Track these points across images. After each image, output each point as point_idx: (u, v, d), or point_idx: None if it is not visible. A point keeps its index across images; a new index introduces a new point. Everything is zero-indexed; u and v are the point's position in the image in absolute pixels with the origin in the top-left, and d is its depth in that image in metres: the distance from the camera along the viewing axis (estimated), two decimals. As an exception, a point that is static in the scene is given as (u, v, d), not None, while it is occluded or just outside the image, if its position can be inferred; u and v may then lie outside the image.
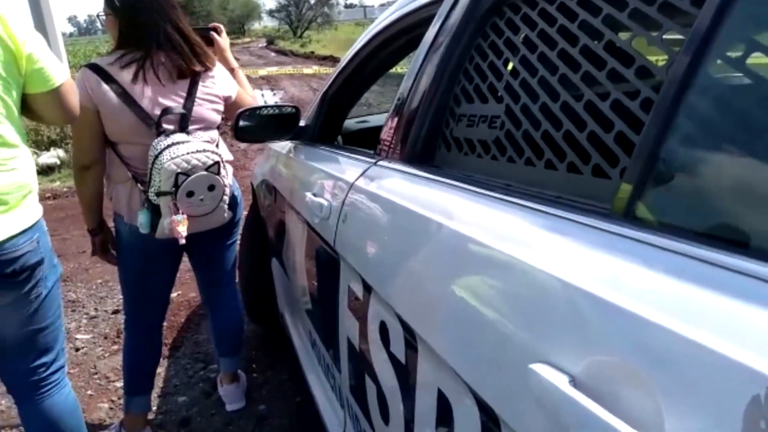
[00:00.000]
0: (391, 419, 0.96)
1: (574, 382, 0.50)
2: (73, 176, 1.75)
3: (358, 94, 1.88)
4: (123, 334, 1.95)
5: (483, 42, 1.00)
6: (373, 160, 1.21)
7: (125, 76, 1.59)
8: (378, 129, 2.21)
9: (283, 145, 2.10)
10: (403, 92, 1.17)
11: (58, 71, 1.36)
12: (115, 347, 2.67)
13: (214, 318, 2.06)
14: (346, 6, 48.79)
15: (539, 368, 0.53)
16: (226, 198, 1.72)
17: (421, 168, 1.04)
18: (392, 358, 0.93)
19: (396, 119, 1.18)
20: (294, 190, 1.71)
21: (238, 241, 2.01)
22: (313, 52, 24.10)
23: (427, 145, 1.07)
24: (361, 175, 1.19)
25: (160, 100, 1.62)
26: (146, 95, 1.60)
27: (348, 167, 1.31)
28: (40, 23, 5.49)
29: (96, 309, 3.08)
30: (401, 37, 1.49)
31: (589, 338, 0.52)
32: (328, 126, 1.89)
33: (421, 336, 0.80)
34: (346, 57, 1.71)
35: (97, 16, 1.73)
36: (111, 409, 2.21)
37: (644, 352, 0.46)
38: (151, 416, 2.05)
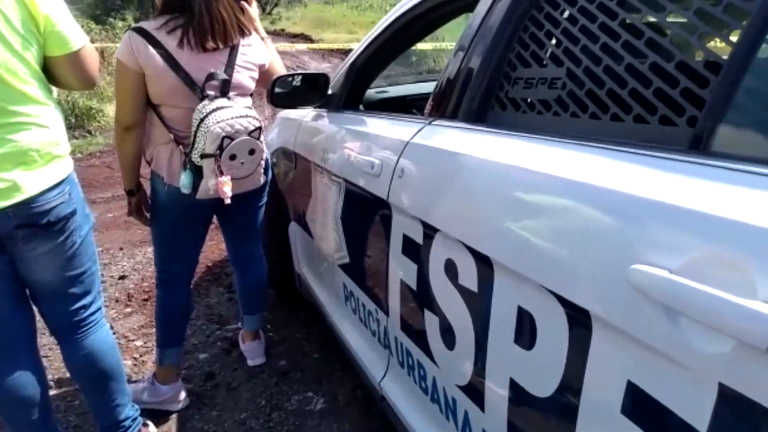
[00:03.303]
0: (458, 343, 1.10)
1: (673, 274, 0.64)
2: (114, 137, 1.81)
3: (383, 65, 1.98)
4: (154, 292, 2.03)
5: (537, 13, 1.13)
6: (426, 121, 1.33)
7: (171, 41, 1.66)
8: (398, 99, 2.34)
9: (303, 113, 2.20)
10: (455, 59, 1.29)
11: (77, 36, 1.39)
12: (128, 310, 2.74)
13: (241, 276, 2.16)
14: (316, -16, 48.01)
15: (640, 267, 0.67)
16: (263, 162, 1.81)
17: (478, 125, 1.17)
18: (461, 288, 1.06)
19: (449, 84, 1.30)
20: (327, 154, 1.82)
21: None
22: (283, 30, 23.79)
23: (482, 106, 1.20)
24: (416, 134, 1.31)
25: (204, 65, 1.69)
26: (190, 60, 1.68)
27: (398, 128, 1.43)
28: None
29: (102, 275, 3.12)
30: (433, 13, 1.60)
31: (676, 243, 0.66)
32: (353, 95, 2.00)
33: (501, 262, 0.94)
34: (375, 29, 1.81)
35: None
36: (135, 365, 2.30)
37: (727, 247, 0.61)
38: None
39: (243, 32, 1.77)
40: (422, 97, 2.30)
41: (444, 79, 1.32)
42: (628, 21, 0.94)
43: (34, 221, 1.36)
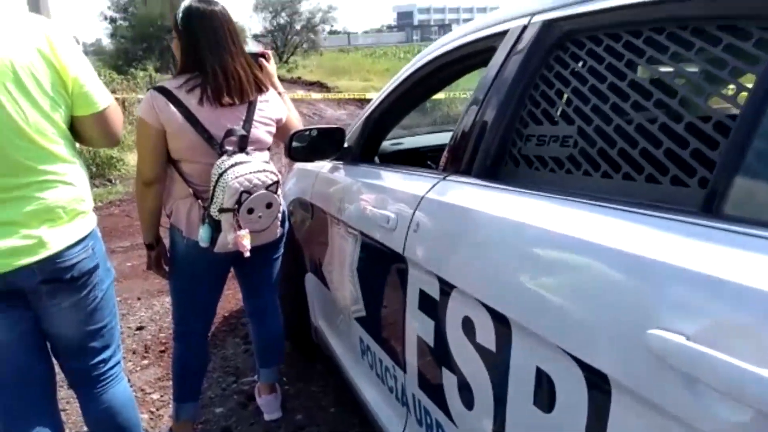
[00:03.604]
0: (477, 403, 1.08)
1: (690, 340, 0.63)
2: (135, 192, 1.86)
3: (398, 119, 2.02)
4: (171, 344, 2.04)
5: (547, 72, 1.16)
6: (441, 176, 1.35)
7: (190, 99, 1.71)
8: (413, 151, 2.37)
9: (320, 165, 2.24)
10: (468, 114, 1.32)
11: (102, 96, 1.45)
12: (145, 362, 2.75)
13: (257, 328, 2.16)
14: (331, 32, 49.50)
15: (657, 332, 0.66)
16: (280, 215, 1.84)
17: (492, 181, 1.19)
18: (479, 347, 1.05)
19: (462, 139, 1.32)
20: (344, 206, 1.84)
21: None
22: (300, 78, 24.46)
23: (495, 162, 1.22)
24: (431, 189, 1.32)
25: (222, 122, 1.75)
26: (209, 117, 1.73)
27: (413, 182, 1.45)
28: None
29: (119, 326, 3.14)
30: (449, 68, 1.64)
31: (692, 307, 0.66)
32: (369, 147, 2.04)
33: (518, 322, 0.93)
34: (391, 83, 1.86)
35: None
36: (151, 419, 2.28)
37: (743, 313, 0.60)
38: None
39: (260, 88, 1.82)
40: (436, 149, 2.33)
41: (458, 134, 1.35)
42: (637, 81, 0.96)
43: (59, 276, 1.38)
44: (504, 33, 1.30)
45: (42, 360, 1.50)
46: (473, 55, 1.50)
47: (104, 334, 1.55)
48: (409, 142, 2.46)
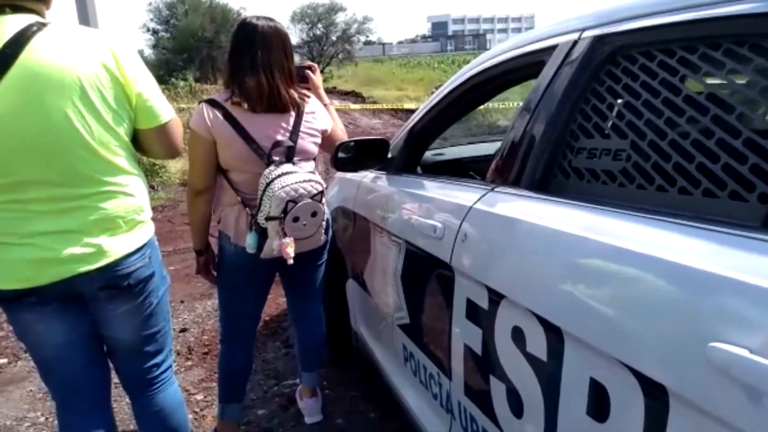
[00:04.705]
0: (526, 411, 1.10)
1: (753, 353, 0.64)
2: (187, 200, 1.93)
3: (441, 131, 2.05)
4: (214, 346, 2.10)
5: (599, 86, 1.17)
6: (488, 187, 1.38)
7: (239, 112, 1.77)
8: (454, 161, 2.40)
9: (363, 175, 2.28)
10: (517, 127, 1.34)
11: (165, 109, 1.50)
12: (189, 363, 2.82)
13: (300, 333, 2.21)
14: (366, 43, 49.90)
15: (719, 345, 0.68)
16: (324, 223, 1.89)
17: (542, 193, 1.20)
18: (529, 356, 1.07)
19: (511, 151, 1.34)
20: (388, 215, 1.87)
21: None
22: (335, 87, 24.75)
23: (545, 174, 1.24)
24: (480, 199, 1.35)
25: (270, 133, 1.80)
26: (257, 129, 1.78)
27: (460, 192, 1.47)
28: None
29: (167, 329, 3.24)
30: (495, 81, 1.66)
31: (754, 321, 0.67)
32: (412, 158, 2.07)
33: (572, 333, 0.95)
34: (435, 96, 1.89)
35: None
36: (195, 419, 2.35)
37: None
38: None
39: (303, 100, 1.87)
40: (477, 160, 2.35)
41: (506, 146, 1.37)
42: (692, 96, 0.96)
43: (117, 283, 1.44)
44: (553, 48, 1.32)
45: (98, 361, 1.57)
46: (520, 69, 1.52)
47: (158, 339, 1.61)
48: (450, 153, 2.49)
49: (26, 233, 1.33)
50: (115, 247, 1.41)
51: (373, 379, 2.37)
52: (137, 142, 1.51)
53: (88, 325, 1.50)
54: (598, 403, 0.90)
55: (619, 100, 1.11)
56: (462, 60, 36.13)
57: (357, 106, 13.24)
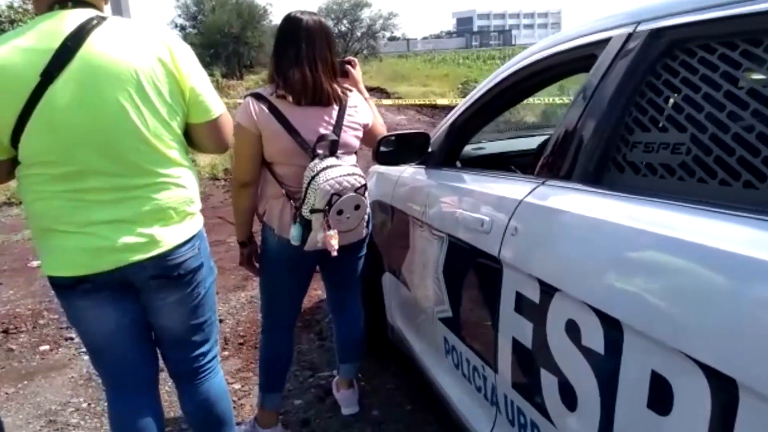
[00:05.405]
0: (580, 404, 1.10)
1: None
2: (231, 192, 1.96)
3: (482, 125, 2.05)
4: (250, 337, 2.13)
5: (655, 80, 1.16)
6: (538, 181, 1.38)
7: (284, 105, 1.80)
8: (495, 155, 2.39)
9: (401, 169, 2.29)
10: (568, 122, 1.33)
11: (216, 104, 1.52)
12: (225, 353, 2.87)
13: (339, 325, 2.24)
14: (390, 39, 49.85)
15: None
16: (366, 216, 1.91)
17: (596, 187, 1.20)
18: (585, 349, 1.07)
19: (562, 145, 1.34)
20: (429, 209, 1.88)
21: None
22: (359, 83, 24.73)
23: (598, 168, 1.23)
24: (530, 193, 1.35)
25: (314, 126, 1.82)
26: (302, 122, 1.81)
27: (508, 186, 1.48)
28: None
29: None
30: (541, 75, 1.66)
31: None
32: (452, 151, 2.07)
33: (631, 325, 0.95)
34: (477, 90, 1.89)
35: None
36: (233, 408, 2.38)
37: None
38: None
39: (345, 94, 1.89)
40: (519, 154, 2.35)
41: (556, 140, 1.37)
42: (756, 89, 0.95)
43: (167, 273, 1.48)
44: (605, 41, 1.31)
45: (147, 347, 1.61)
46: (569, 63, 1.51)
47: (204, 329, 1.65)
48: (491, 147, 2.48)
49: (83, 222, 1.37)
50: (167, 237, 1.45)
51: (408, 372, 2.39)
52: (188, 136, 1.54)
53: (138, 313, 1.54)
54: (661, 396, 0.90)
55: (677, 94, 1.11)
56: (487, 56, 35.87)
57: (388, 102, 13.21)
